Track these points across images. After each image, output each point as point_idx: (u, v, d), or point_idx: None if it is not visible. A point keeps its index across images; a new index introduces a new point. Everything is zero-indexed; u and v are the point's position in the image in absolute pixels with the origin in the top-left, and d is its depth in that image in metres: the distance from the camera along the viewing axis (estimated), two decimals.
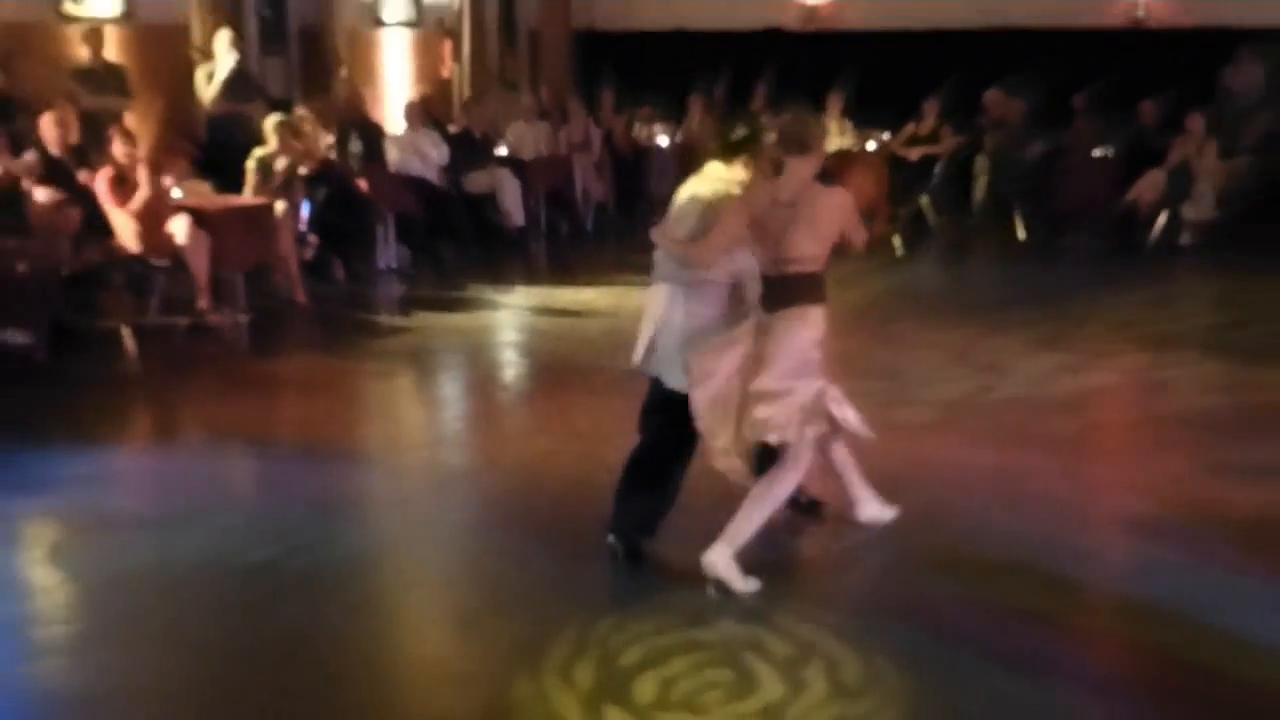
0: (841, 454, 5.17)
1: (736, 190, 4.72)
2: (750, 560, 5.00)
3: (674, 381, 4.80)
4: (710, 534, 5.12)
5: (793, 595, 4.68)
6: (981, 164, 13.34)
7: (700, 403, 4.69)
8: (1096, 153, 12.56)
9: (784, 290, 4.69)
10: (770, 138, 4.68)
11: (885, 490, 5.35)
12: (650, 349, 4.90)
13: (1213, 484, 5.79)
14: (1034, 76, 13.55)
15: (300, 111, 10.79)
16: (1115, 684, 4.12)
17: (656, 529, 4.98)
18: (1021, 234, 12.74)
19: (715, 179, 4.81)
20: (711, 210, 4.68)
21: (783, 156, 4.63)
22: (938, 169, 13.29)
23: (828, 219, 4.73)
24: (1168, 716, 3.93)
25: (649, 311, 4.95)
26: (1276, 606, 4.57)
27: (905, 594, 4.92)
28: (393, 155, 11.38)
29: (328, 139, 10.82)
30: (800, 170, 4.66)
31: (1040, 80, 13.44)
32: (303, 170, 9.71)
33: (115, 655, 4.27)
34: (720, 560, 4.65)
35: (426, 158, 11.47)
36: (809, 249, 4.70)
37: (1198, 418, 6.85)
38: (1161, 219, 12.06)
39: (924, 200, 13.10)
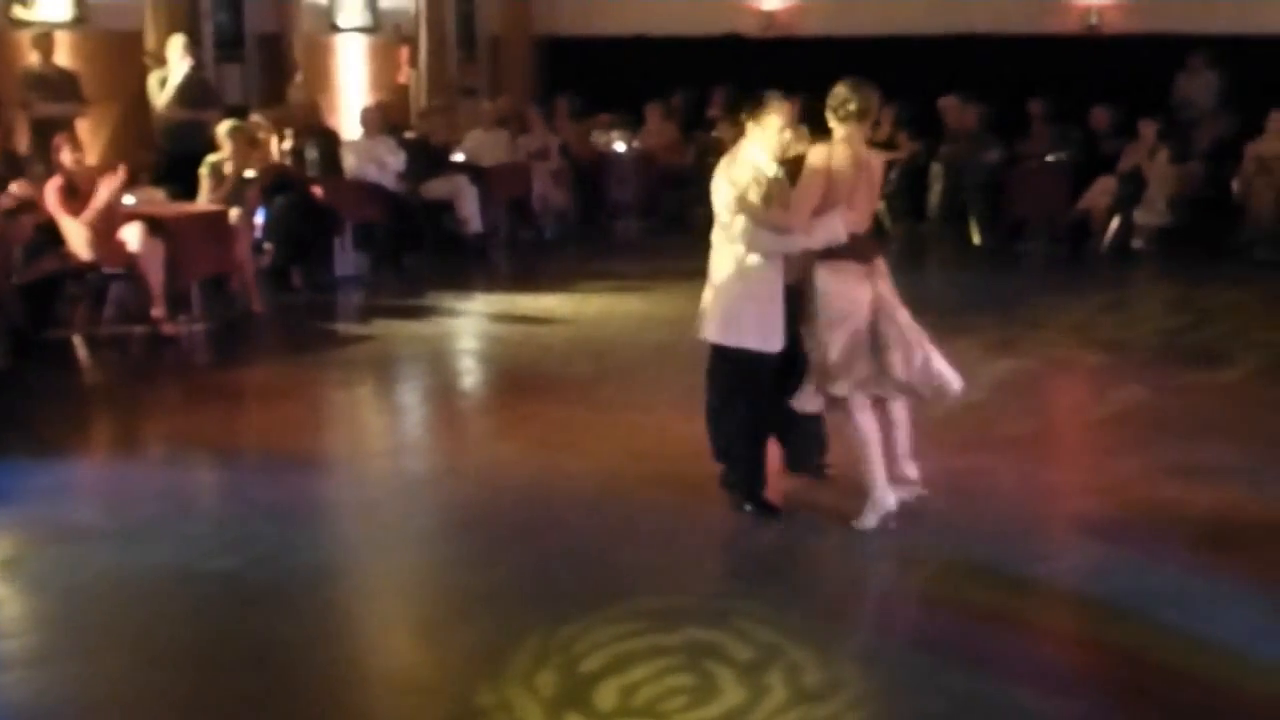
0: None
1: (765, 161, 5.17)
2: (706, 565, 5.04)
3: (711, 336, 5.39)
4: (675, 537, 5.17)
5: (753, 599, 4.70)
6: (937, 170, 13.43)
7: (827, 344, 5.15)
8: (1050, 159, 12.67)
9: (867, 245, 5.12)
10: (833, 107, 5.08)
11: (846, 495, 5.39)
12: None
13: (1167, 485, 5.87)
14: (989, 83, 13.69)
15: (255, 118, 10.74)
16: (1075, 683, 4.16)
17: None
18: (977, 239, 12.84)
19: (752, 155, 5.22)
20: (768, 181, 5.15)
21: (848, 123, 5.04)
22: (893, 175, 13.36)
23: (880, 179, 5.20)
24: (1127, 715, 3.98)
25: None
26: (1232, 604, 4.64)
27: (866, 596, 4.97)
28: (350, 162, 11.33)
29: (284, 146, 10.78)
30: (864, 136, 5.09)
31: (995, 86, 13.58)
32: (249, 173, 9.65)
33: (77, 666, 4.24)
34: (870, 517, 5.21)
35: (384, 165, 11.43)
36: (874, 206, 5.20)
37: (1151, 420, 6.94)
38: (1114, 224, 12.18)
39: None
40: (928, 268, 12.75)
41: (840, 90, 5.04)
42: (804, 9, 16.30)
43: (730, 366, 5.37)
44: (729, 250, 5.26)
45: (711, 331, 5.37)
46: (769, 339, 5.24)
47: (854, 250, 5.10)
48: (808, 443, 5.78)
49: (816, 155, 5.06)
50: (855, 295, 5.11)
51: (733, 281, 5.26)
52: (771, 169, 5.19)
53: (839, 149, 5.06)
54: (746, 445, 5.45)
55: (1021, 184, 12.59)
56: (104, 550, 5.18)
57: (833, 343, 5.13)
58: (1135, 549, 5.15)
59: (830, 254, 5.08)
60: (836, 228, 5.02)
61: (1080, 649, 4.47)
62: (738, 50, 16.19)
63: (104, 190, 8.38)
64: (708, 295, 5.40)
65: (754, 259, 5.19)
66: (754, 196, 5.13)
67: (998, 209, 12.75)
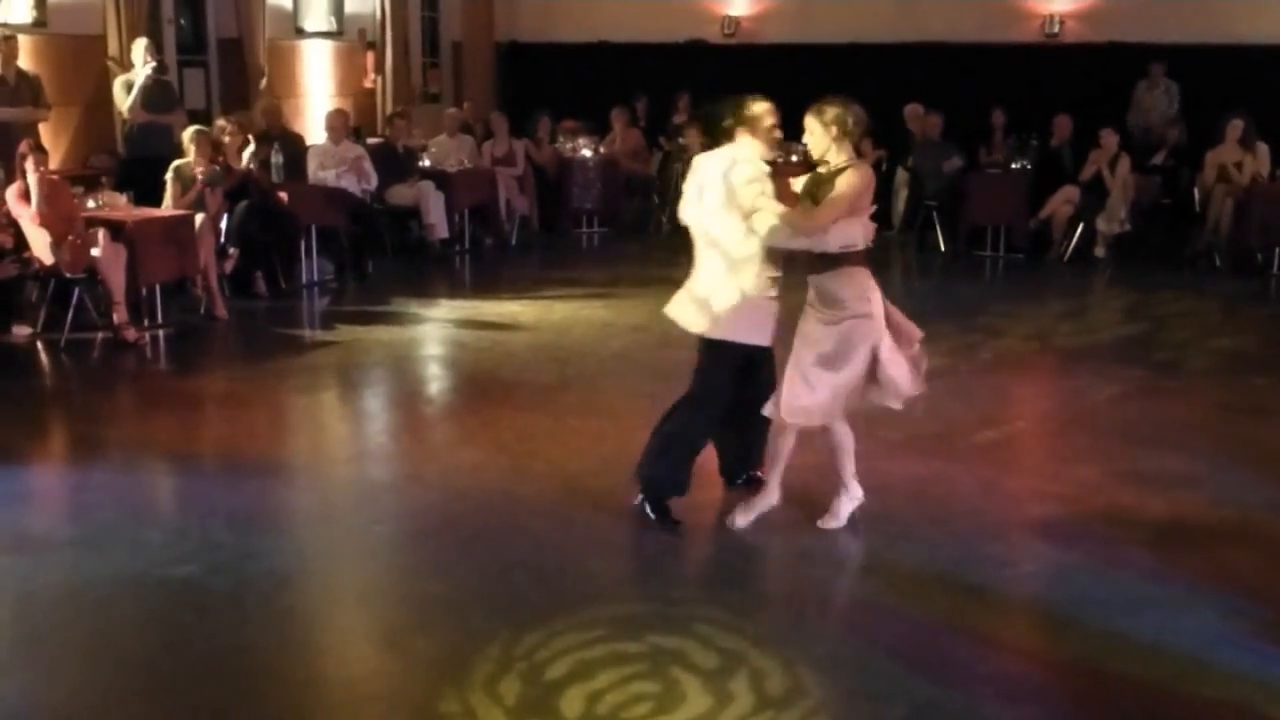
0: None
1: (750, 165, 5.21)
2: (669, 571, 5.06)
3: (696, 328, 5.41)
4: (638, 543, 5.17)
5: (716, 605, 4.71)
6: (902, 177, 13.51)
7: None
8: (1014, 166, 12.77)
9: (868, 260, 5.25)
10: (848, 126, 5.15)
11: (809, 501, 5.42)
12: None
13: (1126, 491, 5.94)
14: (951, 91, 13.79)
15: (220, 122, 10.68)
16: (1034, 689, 4.19)
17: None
18: (941, 246, 12.92)
19: (748, 154, 5.25)
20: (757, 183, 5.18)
21: (862, 141, 5.08)
22: None
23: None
24: None
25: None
26: (1188, 608, 4.69)
27: (828, 603, 4.98)
28: (313, 167, 11.29)
29: (248, 151, 10.73)
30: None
31: (957, 94, 13.68)
32: (200, 171, 9.59)
33: (34, 675, 4.20)
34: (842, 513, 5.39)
35: (364, 172, 11.37)
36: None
37: (1110, 427, 7.01)
38: (1076, 232, 12.29)
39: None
40: (891, 274, 12.82)
41: (844, 112, 5.12)
42: (767, 16, 16.38)
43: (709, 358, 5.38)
44: (721, 246, 5.25)
45: (699, 324, 5.35)
46: (755, 333, 5.33)
47: (863, 256, 5.22)
48: (744, 453, 5.78)
49: (862, 169, 5.15)
50: (875, 296, 5.23)
51: (726, 275, 5.27)
52: (765, 167, 5.21)
53: (865, 167, 5.19)
54: (665, 441, 5.45)
55: (981, 192, 12.69)
56: (61, 558, 5.13)
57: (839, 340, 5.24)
58: (1093, 554, 5.20)
59: (845, 259, 5.16)
60: (855, 234, 5.15)
61: (1039, 655, 4.50)
62: (701, 56, 16.26)
63: (35, 187, 8.31)
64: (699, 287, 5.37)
65: (751, 253, 5.21)
66: (769, 193, 5.15)
67: (961, 216, 12.84)
